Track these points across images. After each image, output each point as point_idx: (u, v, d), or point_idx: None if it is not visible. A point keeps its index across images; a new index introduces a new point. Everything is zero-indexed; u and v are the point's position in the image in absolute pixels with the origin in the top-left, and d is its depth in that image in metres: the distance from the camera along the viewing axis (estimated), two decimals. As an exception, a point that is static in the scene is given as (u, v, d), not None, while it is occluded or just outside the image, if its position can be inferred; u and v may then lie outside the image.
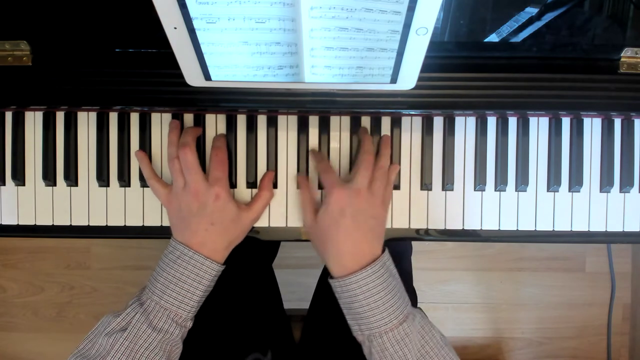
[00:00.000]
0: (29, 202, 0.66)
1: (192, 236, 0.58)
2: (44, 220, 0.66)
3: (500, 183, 0.65)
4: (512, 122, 0.66)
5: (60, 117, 0.66)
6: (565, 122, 0.66)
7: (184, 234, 0.59)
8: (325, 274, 0.87)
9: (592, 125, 0.66)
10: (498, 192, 0.66)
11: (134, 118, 0.66)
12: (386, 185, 0.62)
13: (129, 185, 0.66)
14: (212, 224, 0.58)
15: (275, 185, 0.65)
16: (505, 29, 0.58)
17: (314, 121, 0.65)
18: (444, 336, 0.58)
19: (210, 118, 0.65)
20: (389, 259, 0.59)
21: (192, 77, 0.54)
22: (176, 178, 0.60)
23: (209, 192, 0.58)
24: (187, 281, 0.57)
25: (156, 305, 0.56)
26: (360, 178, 0.59)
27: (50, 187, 0.66)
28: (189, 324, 0.58)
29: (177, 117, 0.65)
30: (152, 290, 0.57)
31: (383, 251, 0.59)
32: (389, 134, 0.65)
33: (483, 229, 0.66)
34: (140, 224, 0.66)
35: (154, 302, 0.56)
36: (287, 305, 0.86)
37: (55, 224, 0.66)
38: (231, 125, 0.65)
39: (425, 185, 0.66)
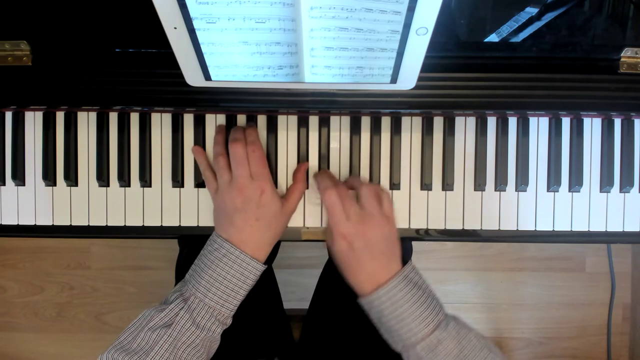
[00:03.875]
0: (28, 202, 0.66)
1: (236, 232, 0.58)
2: (44, 220, 0.66)
3: (500, 183, 0.65)
4: (512, 122, 0.66)
5: (60, 117, 0.66)
6: (565, 122, 0.66)
7: (228, 230, 0.58)
8: (326, 274, 0.87)
9: (592, 125, 0.66)
10: (498, 192, 0.66)
11: (134, 118, 0.66)
12: (381, 198, 0.60)
13: (129, 185, 0.66)
14: (257, 220, 0.58)
15: (275, 185, 0.65)
16: (505, 29, 0.58)
17: (314, 121, 0.66)
18: (484, 338, 0.57)
19: (210, 118, 0.65)
20: (412, 271, 0.58)
21: (192, 77, 0.54)
22: (222, 174, 0.60)
23: (253, 187, 0.58)
24: (233, 280, 0.57)
25: (200, 303, 0.56)
26: (350, 210, 0.58)
27: (50, 187, 0.66)
28: (229, 322, 0.59)
29: (177, 117, 0.65)
30: (195, 287, 0.57)
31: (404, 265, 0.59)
32: (389, 134, 0.65)
33: (483, 229, 0.66)
34: (140, 224, 0.66)
35: (198, 300, 0.56)
36: (287, 305, 0.86)
37: (55, 224, 0.66)
38: (231, 125, 0.65)
39: (425, 185, 0.66)
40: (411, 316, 0.55)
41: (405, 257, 0.90)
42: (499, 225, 0.66)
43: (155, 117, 0.66)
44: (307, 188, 0.66)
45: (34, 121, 0.66)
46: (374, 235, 0.58)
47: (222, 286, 0.56)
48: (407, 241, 0.87)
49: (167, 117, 0.66)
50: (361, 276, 0.58)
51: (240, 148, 0.59)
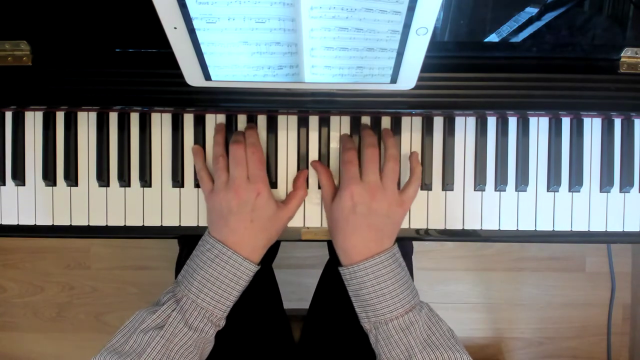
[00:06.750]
0: (29, 202, 0.66)
1: (230, 234, 0.58)
2: (44, 220, 0.66)
3: (500, 183, 0.65)
4: (512, 122, 0.66)
5: (60, 117, 0.66)
6: (565, 122, 0.66)
7: (222, 231, 0.58)
8: (326, 274, 0.87)
9: (592, 125, 0.66)
10: (498, 192, 0.66)
11: (134, 118, 0.66)
12: (409, 182, 0.62)
13: (129, 185, 0.66)
14: (252, 222, 0.58)
15: (275, 186, 0.65)
16: (505, 29, 0.58)
17: (314, 121, 0.66)
18: (452, 330, 0.59)
19: (210, 118, 0.65)
20: (398, 252, 0.60)
21: (192, 77, 0.54)
22: (219, 175, 0.60)
23: (250, 189, 0.58)
24: (225, 281, 0.57)
25: (192, 304, 0.56)
26: (369, 174, 0.59)
27: (50, 187, 0.66)
28: (223, 323, 0.59)
29: (177, 117, 0.65)
30: (188, 288, 0.57)
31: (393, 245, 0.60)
32: (389, 134, 0.65)
33: (483, 229, 0.66)
34: (141, 224, 0.66)
35: (191, 301, 0.56)
36: (287, 305, 0.86)
37: (55, 224, 0.66)
38: (231, 125, 0.65)
39: (426, 185, 0.66)
40: (391, 293, 0.56)
41: (406, 257, 0.91)
42: (499, 225, 0.66)
43: (155, 117, 0.66)
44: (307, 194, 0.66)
45: (34, 121, 0.66)
46: (379, 207, 0.58)
47: (215, 287, 0.56)
48: (407, 241, 0.87)
49: (167, 117, 0.66)
50: (352, 242, 0.58)
51: (240, 150, 0.60)
